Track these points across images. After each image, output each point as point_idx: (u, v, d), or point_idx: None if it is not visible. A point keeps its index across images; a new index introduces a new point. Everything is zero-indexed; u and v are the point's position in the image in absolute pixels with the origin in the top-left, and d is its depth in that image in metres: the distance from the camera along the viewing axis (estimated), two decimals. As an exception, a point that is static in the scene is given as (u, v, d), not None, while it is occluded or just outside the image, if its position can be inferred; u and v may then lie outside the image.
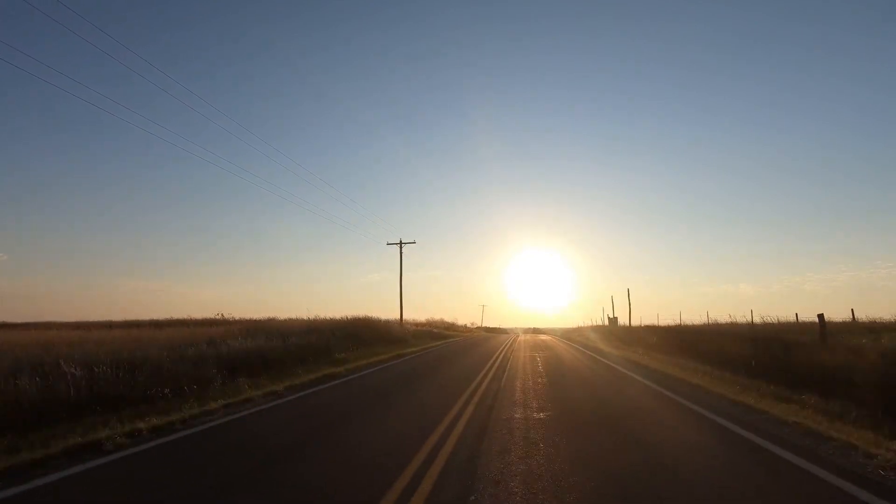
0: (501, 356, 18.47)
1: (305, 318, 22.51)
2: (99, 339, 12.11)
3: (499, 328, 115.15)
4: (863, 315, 18.17)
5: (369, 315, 26.71)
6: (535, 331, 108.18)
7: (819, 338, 11.72)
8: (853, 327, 16.29)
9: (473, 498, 3.77)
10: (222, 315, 21.10)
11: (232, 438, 6.05)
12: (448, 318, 57.42)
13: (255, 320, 20.75)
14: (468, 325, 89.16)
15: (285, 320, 21.27)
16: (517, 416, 7.06)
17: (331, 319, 22.81)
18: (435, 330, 41.65)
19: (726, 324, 22.47)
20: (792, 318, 19.11)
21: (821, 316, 12.54)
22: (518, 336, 63.83)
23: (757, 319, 21.00)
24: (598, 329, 40.27)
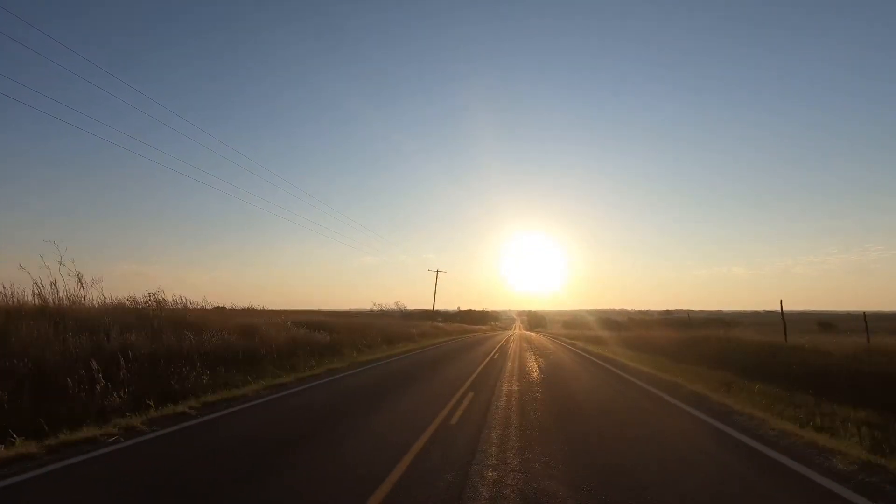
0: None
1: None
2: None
3: (490, 312, 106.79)
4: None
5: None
6: (531, 319, 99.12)
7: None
8: None
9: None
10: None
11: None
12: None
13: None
14: (389, 306, 74.86)
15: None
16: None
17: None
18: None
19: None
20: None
21: None
22: (509, 341, 30.81)
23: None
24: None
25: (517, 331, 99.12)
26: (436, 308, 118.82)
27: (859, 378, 9.97)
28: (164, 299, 13.49)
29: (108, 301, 12.39)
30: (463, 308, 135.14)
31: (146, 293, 13.27)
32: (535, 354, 21.93)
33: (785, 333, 16.01)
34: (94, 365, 7.96)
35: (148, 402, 7.86)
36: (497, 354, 21.99)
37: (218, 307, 22.00)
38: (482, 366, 17.01)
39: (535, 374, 14.39)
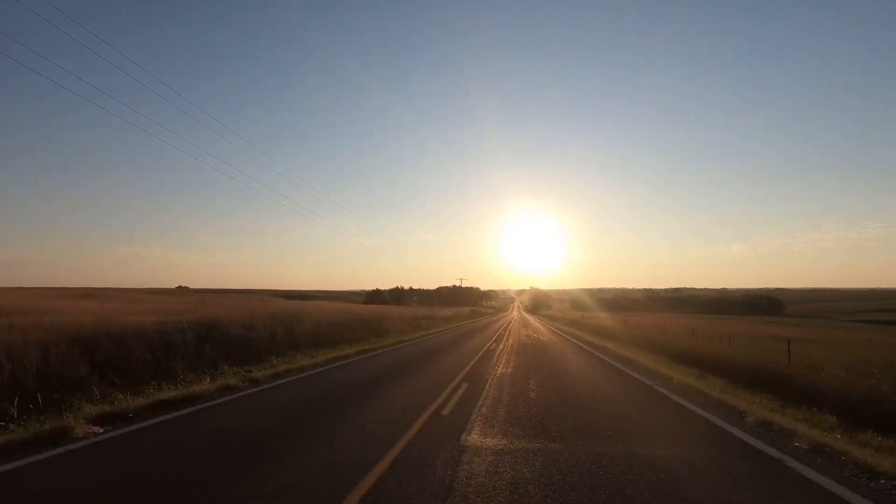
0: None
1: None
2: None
3: (487, 292, 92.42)
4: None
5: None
6: (533, 298, 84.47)
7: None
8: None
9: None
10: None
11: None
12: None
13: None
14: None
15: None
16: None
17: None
18: None
19: None
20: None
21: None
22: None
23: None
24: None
25: (515, 314, 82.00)
26: (413, 287, 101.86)
27: None
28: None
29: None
30: (450, 286, 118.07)
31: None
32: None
33: None
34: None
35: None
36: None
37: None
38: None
39: None
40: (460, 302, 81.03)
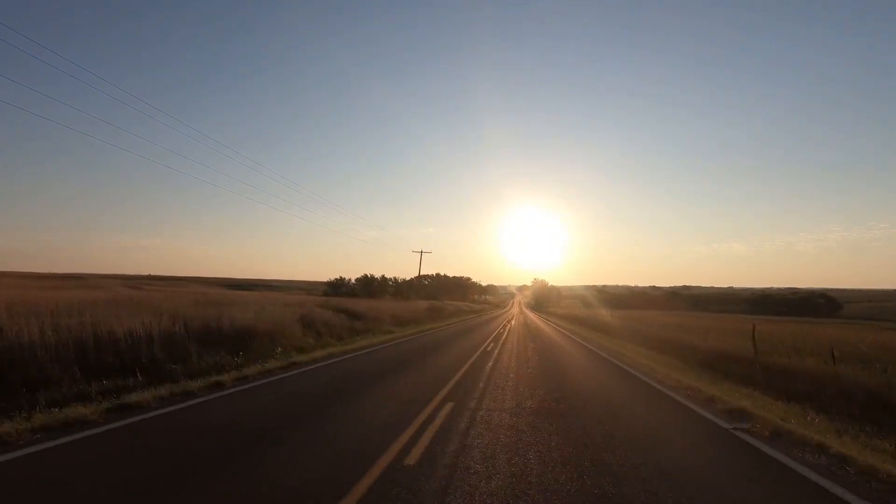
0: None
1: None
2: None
3: (486, 286, 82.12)
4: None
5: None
6: (536, 293, 74.19)
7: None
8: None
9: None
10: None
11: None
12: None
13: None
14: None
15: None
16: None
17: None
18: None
19: None
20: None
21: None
22: None
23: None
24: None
25: (514, 312, 68.53)
26: (386, 276, 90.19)
27: None
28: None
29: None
30: (433, 275, 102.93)
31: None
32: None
33: None
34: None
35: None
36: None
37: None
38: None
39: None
40: (433, 295, 70.84)
